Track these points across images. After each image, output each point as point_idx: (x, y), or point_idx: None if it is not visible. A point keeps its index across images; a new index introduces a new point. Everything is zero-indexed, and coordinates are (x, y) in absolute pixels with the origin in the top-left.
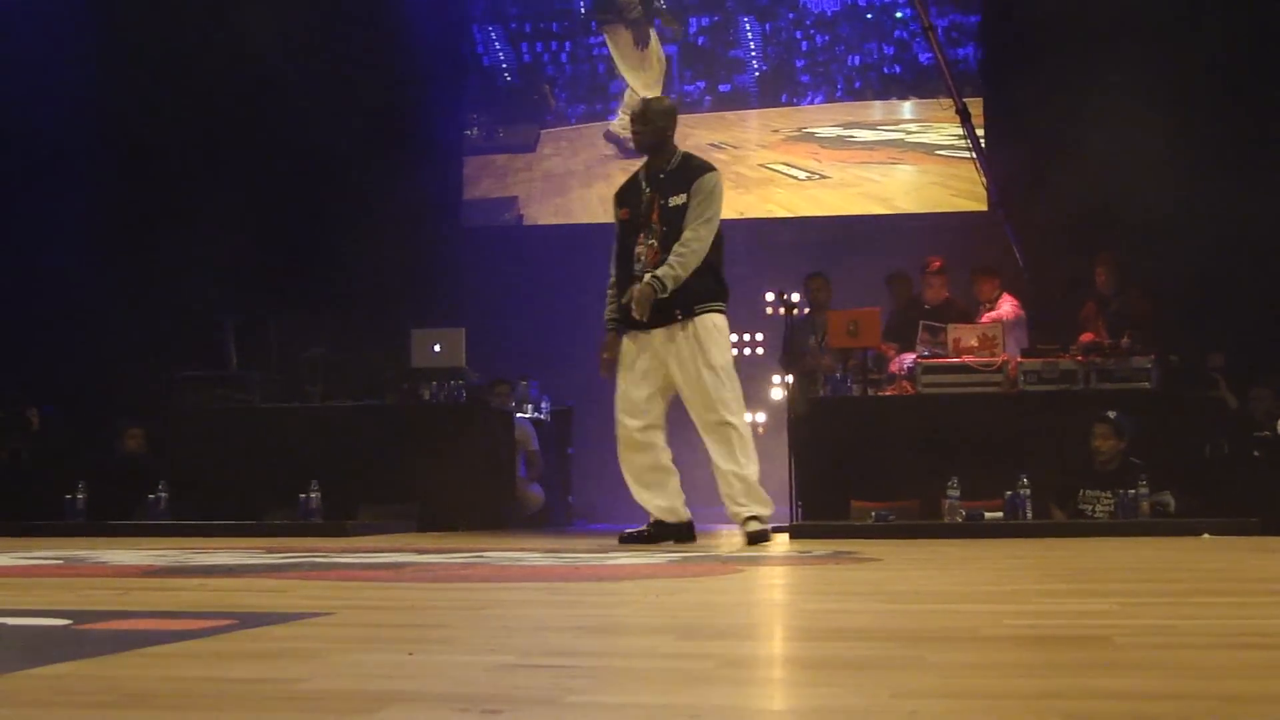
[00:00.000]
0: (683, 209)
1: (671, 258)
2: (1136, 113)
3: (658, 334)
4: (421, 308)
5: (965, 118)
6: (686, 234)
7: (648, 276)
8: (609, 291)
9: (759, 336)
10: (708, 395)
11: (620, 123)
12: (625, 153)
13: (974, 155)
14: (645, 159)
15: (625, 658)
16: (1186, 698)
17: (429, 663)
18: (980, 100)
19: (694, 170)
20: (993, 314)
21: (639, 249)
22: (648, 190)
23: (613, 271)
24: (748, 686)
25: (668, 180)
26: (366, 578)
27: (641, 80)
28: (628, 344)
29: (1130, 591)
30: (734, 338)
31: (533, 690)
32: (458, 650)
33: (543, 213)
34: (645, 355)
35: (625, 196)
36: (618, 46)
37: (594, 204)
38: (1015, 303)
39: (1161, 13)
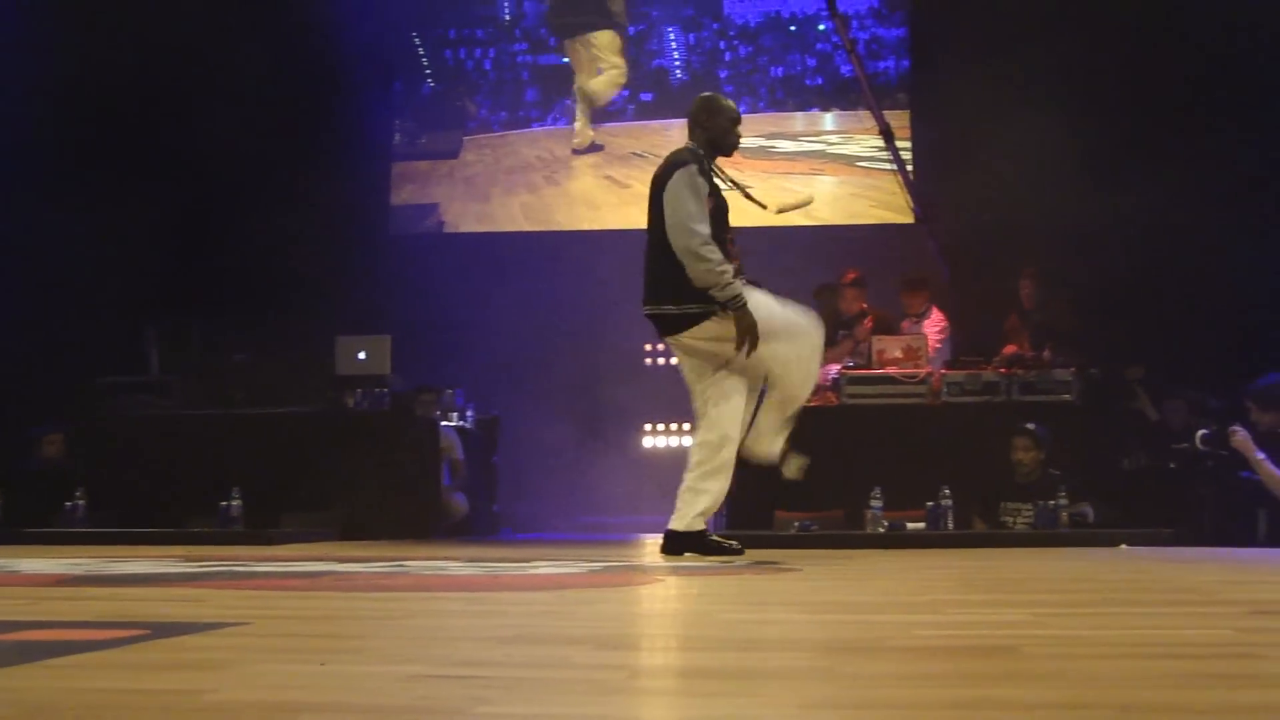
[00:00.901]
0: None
1: None
2: (1059, 126)
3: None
4: (347, 314)
5: (889, 138)
6: None
7: None
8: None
9: None
10: None
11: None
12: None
13: (898, 173)
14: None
15: (539, 668)
16: (1086, 707)
17: (341, 673)
18: (906, 113)
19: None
20: (932, 334)
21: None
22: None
23: None
24: (657, 697)
25: None
26: (285, 587)
27: (609, 79)
28: None
29: (1042, 602)
30: (660, 348)
31: (443, 701)
32: (371, 661)
33: (465, 219)
34: None
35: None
36: (591, 49)
37: (516, 211)
38: (944, 318)
39: (1083, 25)
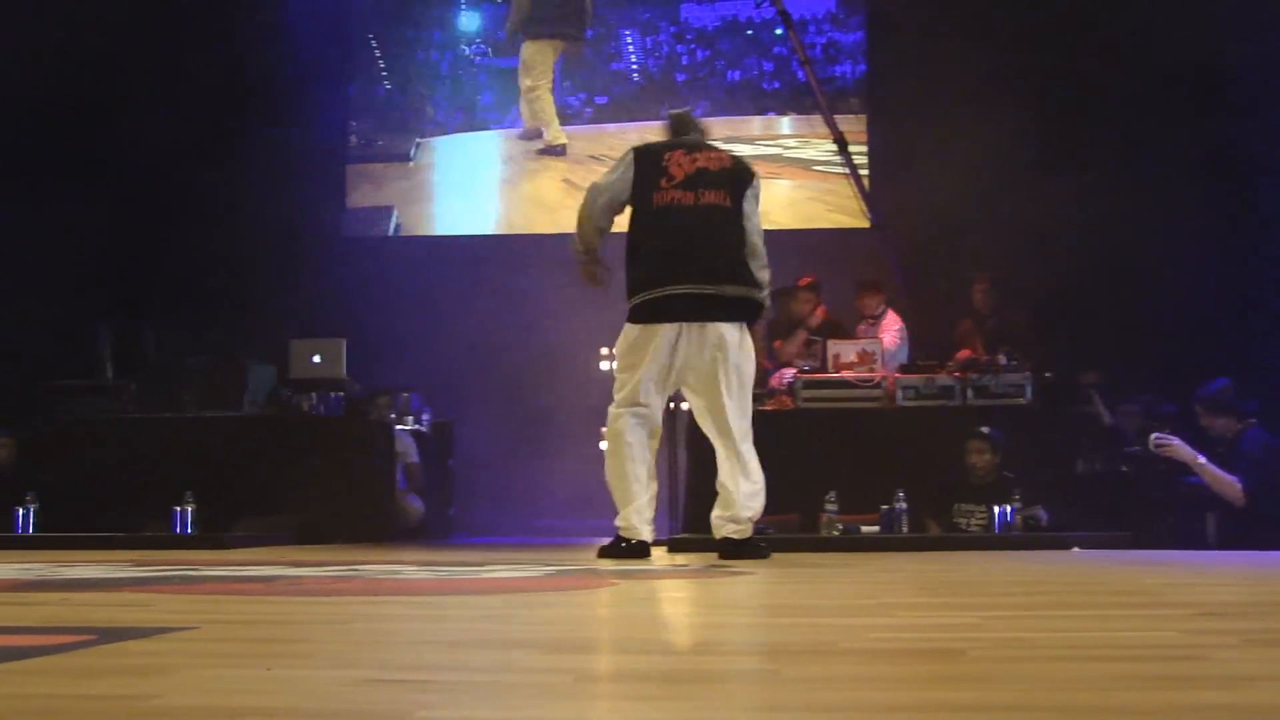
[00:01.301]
0: None
1: None
2: (1014, 131)
3: None
4: (302, 317)
5: (842, 147)
6: None
7: None
8: None
9: None
10: None
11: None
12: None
13: (852, 181)
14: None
15: (483, 672)
16: (1027, 709)
17: (286, 678)
18: (863, 117)
19: None
20: (888, 335)
21: None
22: None
23: None
24: (600, 701)
25: None
26: (236, 591)
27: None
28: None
29: (992, 604)
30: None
31: (385, 705)
32: (316, 665)
33: (419, 222)
34: None
35: None
36: (548, 57)
37: (471, 214)
38: (899, 320)
39: (1038, 30)
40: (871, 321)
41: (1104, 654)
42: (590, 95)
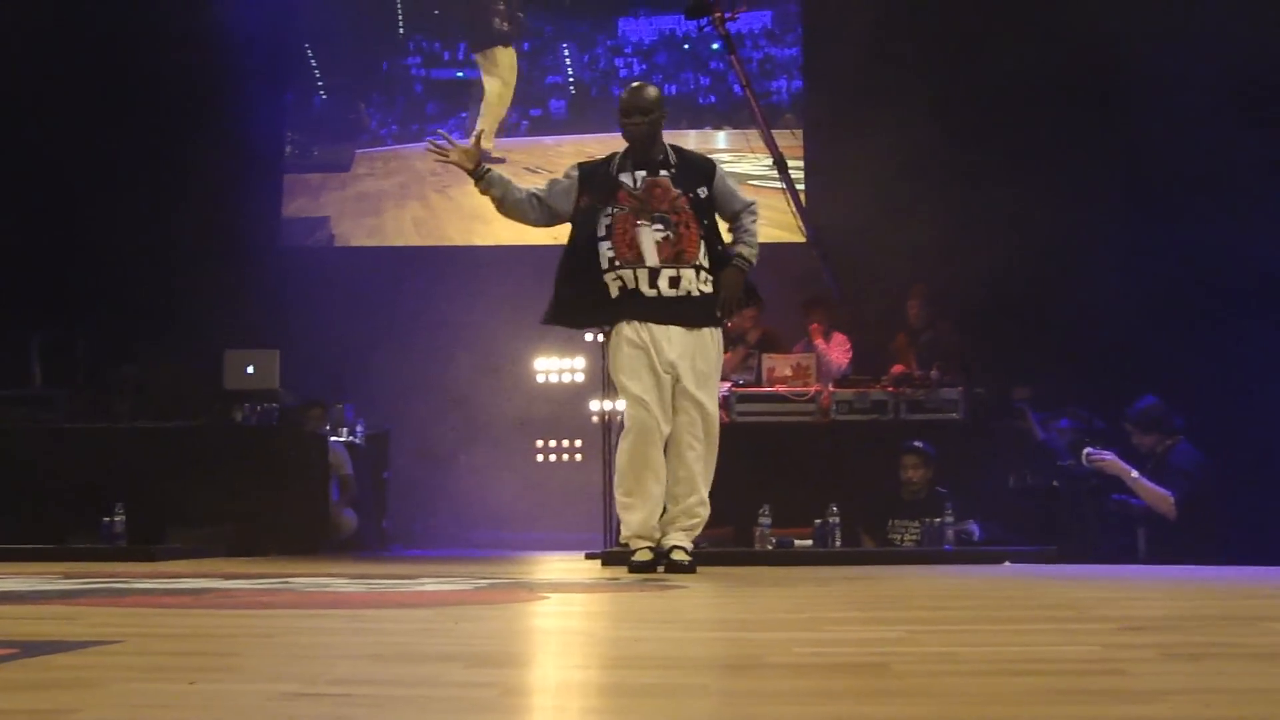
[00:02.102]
0: (711, 200)
1: (745, 241)
2: (946, 146)
3: (677, 331)
4: (236, 327)
5: (782, 167)
6: (747, 220)
7: (736, 259)
8: (561, 287)
9: (579, 362)
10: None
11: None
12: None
13: (789, 197)
14: (622, 151)
15: (410, 686)
16: None
17: (209, 692)
18: (800, 132)
19: (704, 161)
20: (838, 352)
21: (643, 241)
22: (641, 180)
23: (566, 263)
24: (526, 715)
25: (682, 172)
26: (164, 604)
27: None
28: (643, 335)
29: (919, 619)
30: (554, 363)
31: None
32: (242, 679)
33: (355, 233)
34: (664, 347)
35: (590, 184)
36: (503, 63)
37: (407, 225)
38: (847, 339)
39: (972, 48)
40: (820, 340)
41: (1026, 668)
42: (526, 108)
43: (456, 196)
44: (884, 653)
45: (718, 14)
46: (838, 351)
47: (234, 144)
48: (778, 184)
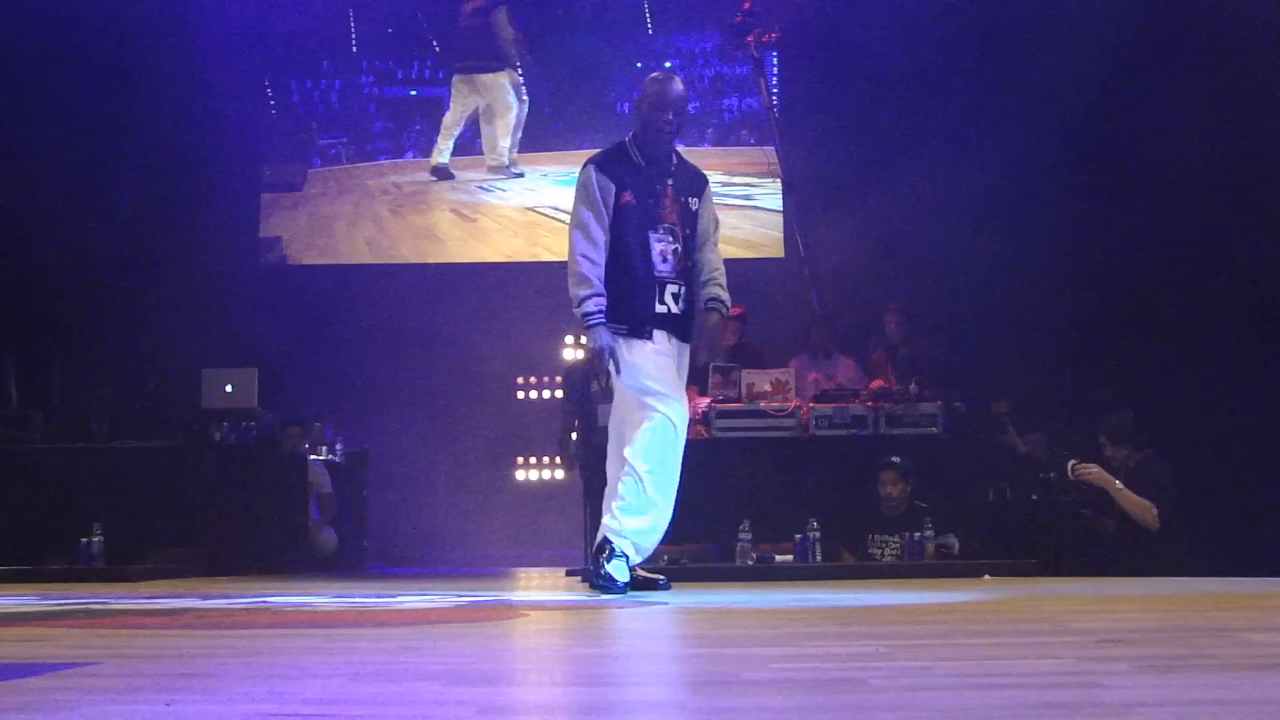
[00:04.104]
0: (698, 214)
1: (719, 283)
2: (919, 159)
3: (679, 345)
4: (213, 346)
5: (790, 189)
6: (716, 256)
7: (719, 305)
8: (597, 284)
9: (558, 380)
10: None
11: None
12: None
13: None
14: (633, 144)
15: (385, 705)
16: None
17: (186, 713)
18: (770, 149)
19: (699, 172)
20: (845, 373)
21: (659, 247)
22: (661, 183)
23: (597, 259)
24: None
25: (681, 178)
26: (141, 625)
27: (510, 121)
28: (669, 346)
29: (897, 634)
30: (532, 381)
31: None
32: (218, 700)
33: (307, 253)
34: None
35: (626, 179)
36: (490, 87)
37: (360, 245)
38: (852, 363)
39: (940, 66)
40: (821, 357)
41: (1000, 682)
42: (479, 125)
43: (409, 215)
44: (862, 667)
45: (753, 37)
46: (845, 373)
47: (210, 163)
48: (734, 201)
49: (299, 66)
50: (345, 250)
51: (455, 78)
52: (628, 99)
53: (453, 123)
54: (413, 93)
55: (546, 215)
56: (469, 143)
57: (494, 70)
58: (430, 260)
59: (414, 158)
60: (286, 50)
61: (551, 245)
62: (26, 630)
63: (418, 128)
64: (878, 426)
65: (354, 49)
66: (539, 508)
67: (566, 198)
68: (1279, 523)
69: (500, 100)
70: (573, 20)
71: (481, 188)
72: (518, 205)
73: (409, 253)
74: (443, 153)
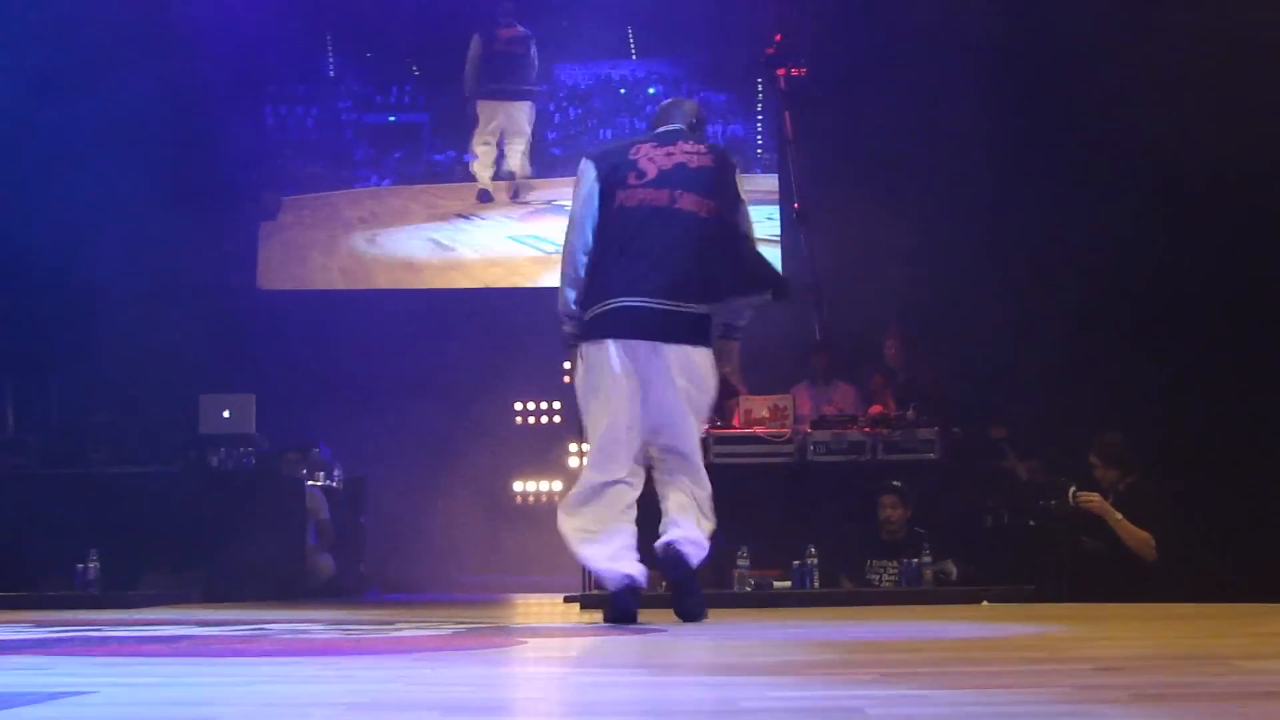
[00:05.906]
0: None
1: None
2: (913, 184)
3: None
4: (211, 372)
5: (804, 218)
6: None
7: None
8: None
9: (555, 405)
10: None
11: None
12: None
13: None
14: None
15: None
16: None
17: None
18: (773, 176)
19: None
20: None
21: None
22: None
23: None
24: None
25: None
26: (138, 653)
27: (523, 146)
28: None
29: (894, 661)
30: (530, 406)
31: None
32: None
33: (281, 280)
34: None
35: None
36: (513, 114)
37: (334, 273)
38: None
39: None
40: (822, 384)
41: (996, 711)
42: (459, 153)
43: (385, 244)
44: (858, 696)
45: (783, 70)
46: (847, 401)
47: (210, 187)
48: None
49: (273, 91)
50: (319, 278)
51: (481, 102)
52: (610, 125)
53: (487, 143)
54: (391, 118)
55: (527, 244)
56: (447, 170)
57: (521, 99)
58: (408, 286)
59: (392, 184)
60: (260, 73)
61: (530, 273)
62: (22, 658)
63: (397, 154)
64: (876, 452)
65: (331, 74)
66: (537, 534)
67: (549, 225)
68: (1273, 546)
69: (517, 127)
70: (564, 49)
71: (460, 215)
72: (501, 234)
73: (385, 281)
74: (486, 169)
